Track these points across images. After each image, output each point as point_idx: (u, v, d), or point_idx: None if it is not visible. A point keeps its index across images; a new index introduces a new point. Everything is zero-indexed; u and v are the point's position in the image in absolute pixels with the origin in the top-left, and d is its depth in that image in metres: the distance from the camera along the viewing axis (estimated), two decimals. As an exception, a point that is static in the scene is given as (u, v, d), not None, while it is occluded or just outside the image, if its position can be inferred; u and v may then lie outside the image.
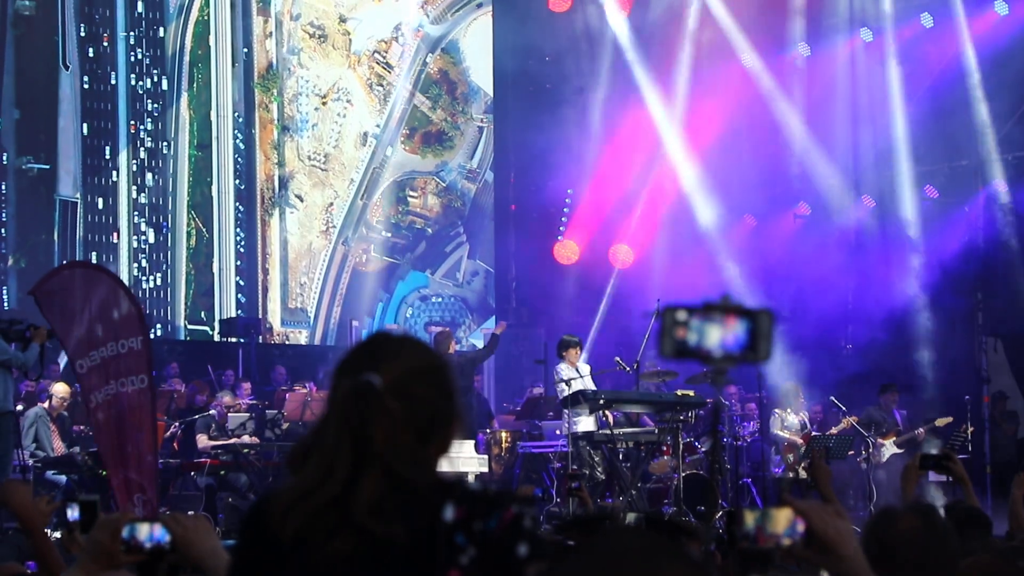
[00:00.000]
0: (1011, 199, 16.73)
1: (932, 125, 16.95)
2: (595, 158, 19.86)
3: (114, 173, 18.01)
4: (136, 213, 18.10)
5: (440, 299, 20.83)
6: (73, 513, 3.90)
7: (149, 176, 18.33)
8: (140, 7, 18.42)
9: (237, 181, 19.03)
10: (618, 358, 13.89)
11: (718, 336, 2.15)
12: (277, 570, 2.31)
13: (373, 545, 2.24)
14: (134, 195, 18.11)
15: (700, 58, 19.27)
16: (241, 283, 18.93)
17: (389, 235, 20.38)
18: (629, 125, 19.82)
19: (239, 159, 19.07)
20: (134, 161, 18.19)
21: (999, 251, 16.46)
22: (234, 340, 18.02)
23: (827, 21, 18.43)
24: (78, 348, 10.71)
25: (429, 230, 20.72)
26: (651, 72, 19.60)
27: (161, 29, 18.60)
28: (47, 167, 17.43)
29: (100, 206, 17.84)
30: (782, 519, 2.37)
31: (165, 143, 18.47)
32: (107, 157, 18.01)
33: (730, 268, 18.01)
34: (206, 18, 18.91)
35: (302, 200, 19.60)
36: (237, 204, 19.02)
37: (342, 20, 20.07)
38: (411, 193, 20.68)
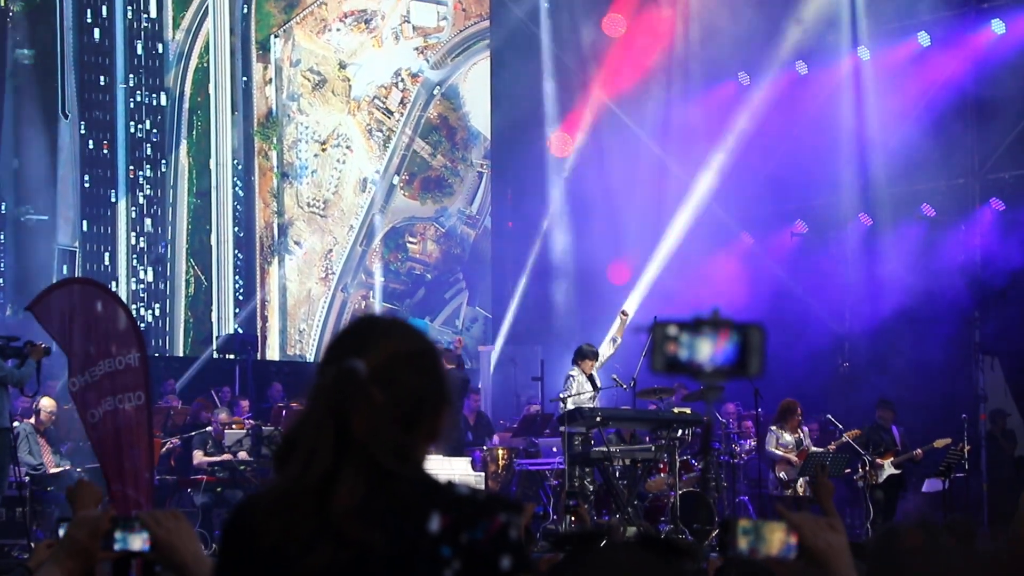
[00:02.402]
0: (1008, 217, 16.74)
1: (929, 143, 16.97)
2: (595, 173, 19.92)
3: (113, 221, 18.04)
4: (135, 258, 18.15)
5: (439, 346, 20.70)
6: (63, 531, 3.88)
7: (148, 222, 18.38)
8: (139, 54, 18.49)
9: (236, 228, 19.03)
10: (615, 375, 13.88)
11: (709, 351, 2.15)
12: (257, 573, 2.24)
13: (353, 554, 2.17)
14: (133, 242, 18.15)
15: (697, 76, 19.35)
16: (240, 331, 18.94)
17: (388, 281, 20.35)
18: (629, 140, 19.90)
19: (238, 206, 19.07)
20: (133, 208, 18.24)
21: (996, 269, 16.45)
22: (231, 357, 18.05)
23: (825, 39, 18.47)
24: (74, 365, 10.74)
25: (428, 276, 20.61)
26: (650, 89, 19.69)
27: (160, 76, 18.64)
28: (45, 218, 17.47)
29: (99, 254, 17.87)
30: (776, 534, 2.36)
31: (163, 190, 18.51)
32: (106, 205, 18.04)
33: (727, 286, 17.99)
34: (205, 65, 18.93)
35: (301, 247, 19.58)
36: (236, 251, 19.02)
37: (342, 66, 20.04)
38: (410, 239, 20.61)
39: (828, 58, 18.42)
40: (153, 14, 18.68)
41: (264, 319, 19.16)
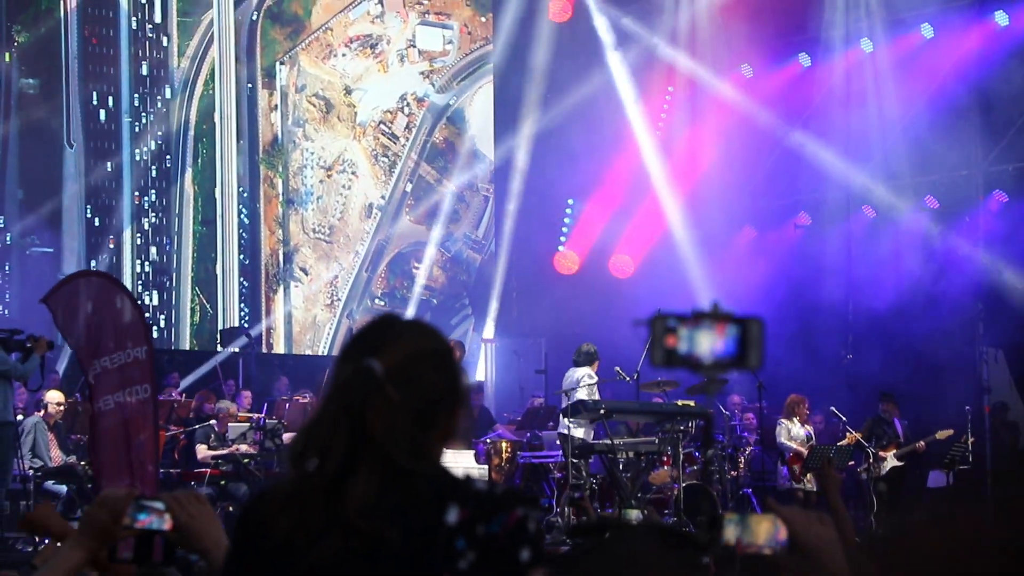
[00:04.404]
0: (1012, 209, 16.72)
1: (933, 135, 16.94)
2: (596, 169, 19.88)
3: (118, 250, 17.96)
4: (140, 285, 18.10)
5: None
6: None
7: (153, 250, 18.34)
8: (145, 82, 18.42)
9: (241, 256, 18.99)
10: (618, 368, 13.87)
11: (708, 344, 2.15)
12: (267, 571, 2.27)
13: (364, 544, 2.19)
14: (138, 269, 18.09)
15: (701, 69, 19.32)
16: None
17: (393, 307, 20.26)
18: (630, 136, 19.88)
19: (244, 234, 19.02)
20: (139, 235, 18.21)
21: (1000, 262, 16.43)
22: (236, 350, 18.02)
23: (827, 32, 18.45)
24: (88, 354, 10.75)
25: (435, 301, 20.44)
26: (651, 83, 19.66)
27: (166, 104, 18.56)
28: (50, 250, 17.44)
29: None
30: (763, 526, 2.36)
31: (169, 218, 18.46)
32: (111, 234, 17.99)
33: (730, 278, 17.97)
34: (211, 93, 18.87)
35: (307, 273, 19.51)
36: (241, 280, 18.97)
37: (347, 91, 19.95)
38: (416, 264, 20.52)
39: (831, 50, 18.39)
40: (158, 42, 18.62)
41: (270, 346, 19.18)
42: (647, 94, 19.90)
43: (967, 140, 17.13)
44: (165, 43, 18.66)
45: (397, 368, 2.27)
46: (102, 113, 18.10)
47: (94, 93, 18.03)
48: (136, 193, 18.27)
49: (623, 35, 19.86)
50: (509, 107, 20.60)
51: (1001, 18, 16.75)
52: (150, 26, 18.55)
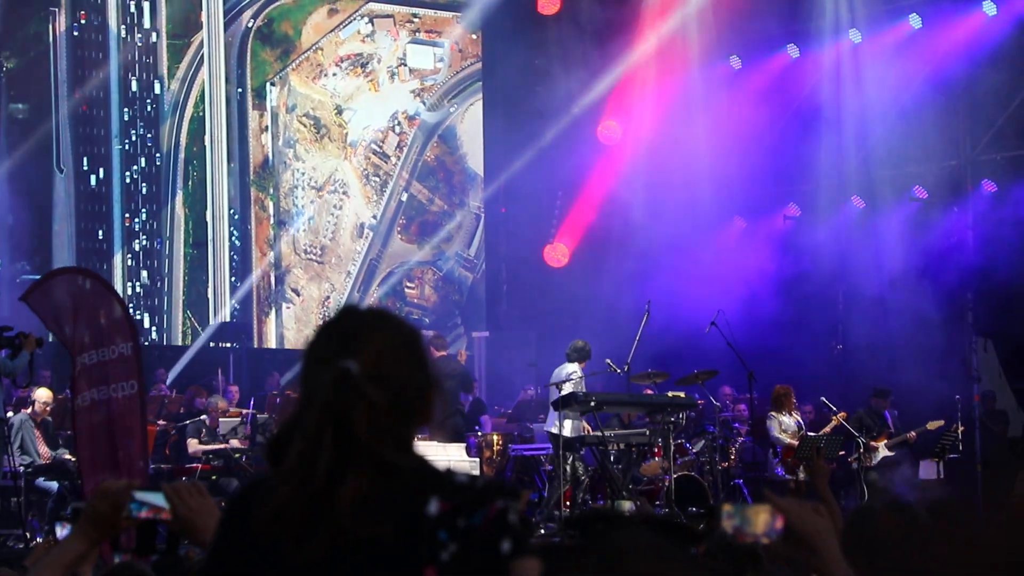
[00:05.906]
0: (1000, 199, 16.75)
1: (921, 125, 16.96)
2: (587, 161, 19.89)
3: (109, 273, 17.81)
4: (131, 306, 18.08)
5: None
6: (63, 532, 3.82)
7: (144, 274, 18.29)
8: (134, 105, 18.34)
9: (233, 279, 18.93)
10: (609, 360, 13.89)
11: None
12: (252, 566, 2.27)
13: (353, 543, 2.20)
14: (129, 291, 18.02)
15: (690, 62, 19.31)
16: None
17: None
18: (621, 128, 19.88)
19: (235, 256, 18.96)
20: (129, 256, 18.15)
21: (988, 251, 16.47)
22: (226, 345, 18.01)
23: (816, 22, 18.46)
24: (73, 350, 10.72)
25: (427, 320, 20.31)
26: (642, 74, 19.66)
27: (156, 127, 18.46)
28: (38, 278, 17.40)
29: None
30: (761, 516, 2.38)
31: (160, 241, 18.40)
32: (102, 258, 17.92)
33: (720, 270, 17.97)
34: (201, 114, 18.79)
35: (299, 294, 19.45)
36: (233, 302, 18.93)
37: (338, 111, 19.89)
38: (408, 284, 20.47)
39: (820, 41, 18.40)
40: (148, 65, 18.54)
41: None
42: (636, 88, 19.89)
43: (956, 130, 17.17)
44: (155, 66, 18.60)
45: (373, 366, 2.26)
46: (92, 137, 18.05)
47: (84, 116, 17.98)
48: (126, 216, 18.22)
49: (609, 31, 19.81)
50: (499, 122, 20.57)
51: (989, 8, 16.76)
52: (140, 48, 18.49)
